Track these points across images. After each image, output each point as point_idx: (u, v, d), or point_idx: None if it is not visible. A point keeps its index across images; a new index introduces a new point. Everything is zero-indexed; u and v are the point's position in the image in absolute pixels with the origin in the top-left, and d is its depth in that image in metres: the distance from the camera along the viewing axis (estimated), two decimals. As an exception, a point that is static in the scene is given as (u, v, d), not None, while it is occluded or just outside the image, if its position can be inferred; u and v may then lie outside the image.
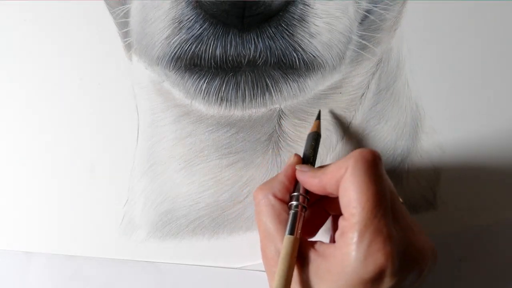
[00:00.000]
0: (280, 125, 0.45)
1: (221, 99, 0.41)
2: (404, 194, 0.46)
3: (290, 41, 0.39)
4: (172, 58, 0.40)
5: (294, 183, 0.39)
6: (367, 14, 0.43)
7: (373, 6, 0.43)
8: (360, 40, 0.43)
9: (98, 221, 0.44)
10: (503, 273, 0.47)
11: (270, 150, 0.45)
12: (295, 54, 0.39)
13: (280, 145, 0.45)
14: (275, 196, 0.39)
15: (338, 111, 0.45)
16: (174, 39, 0.39)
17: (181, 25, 0.38)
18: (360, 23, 0.42)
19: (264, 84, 0.41)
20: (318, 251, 0.36)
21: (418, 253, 0.35)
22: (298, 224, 0.37)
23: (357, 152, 0.35)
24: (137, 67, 0.44)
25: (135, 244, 0.45)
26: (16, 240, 0.44)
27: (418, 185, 0.47)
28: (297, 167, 0.39)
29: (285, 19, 0.38)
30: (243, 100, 0.41)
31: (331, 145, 0.46)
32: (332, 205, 0.40)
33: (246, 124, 0.44)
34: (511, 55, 0.47)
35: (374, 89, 0.46)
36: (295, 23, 0.38)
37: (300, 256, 0.36)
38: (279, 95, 0.41)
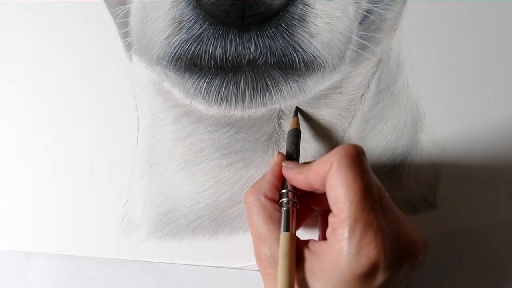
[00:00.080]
0: (280, 125, 0.45)
1: (221, 99, 0.41)
2: (404, 194, 0.46)
3: (290, 41, 0.39)
4: (172, 58, 0.40)
5: (282, 181, 0.39)
6: (367, 14, 0.43)
7: (373, 6, 0.43)
8: (360, 40, 0.43)
9: (98, 221, 0.44)
10: (503, 273, 0.47)
11: (270, 150, 0.45)
12: (295, 54, 0.39)
13: (280, 145, 0.45)
14: (266, 197, 0.39)
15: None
16: (174, 39, 0.39)
17: (181, 25, 0.38)
18: (360, 23, 0.42)
19: (264, 84, 0.41)
20: (311, 250, 0.36)
21: (409, 244, 0.35)
22: (292, 221, 0.37)
23: (341, 147, 0.35)
24: (137, 67, 0.44)
25: (135, 244, 0.45)
26: (16, 240, 0.44)
27: (418, 185, 0.47)
28: (284, 163, 0.40)
29: (285, 19, 0.38)
30: (243, 100, 0.41)
31: (331, 145, 0.46)
32: (317, 200, 0.40)
33: (246, 124, 0.44)
34: (511, 55, 0.47)
35: (374, 89, 0.46)
36: (295, 23, 0.38)
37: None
38: (279, 95, 0.41)
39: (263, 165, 0.45)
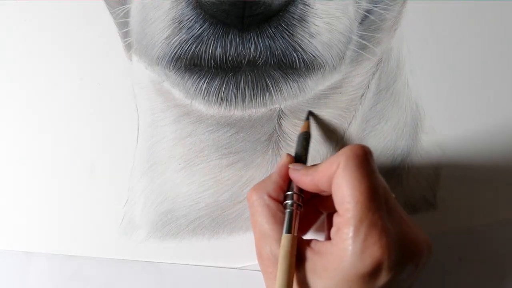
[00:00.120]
0: (280, 125, 0.45)
1: (221, 99, 0.41)
2: (404, 194, 0.46)
3: (290, 41, 0.39)
4: (172, 58, 0.40)
5: (288, 182, 0.39)
6: (367, 14, 0.43)
7: (373, 6, 0.43)
8: (360, 40, 0.43)
9: (98, 221, 0.44)
10: (503, 273, 0.47)
11: (270, 150, 0.45)
12: (295, 54, 0.39)
13: (280, 145, 0.45)
14: (270, 196, 0.39)
15: (337, 112, 0.45)
16: (174, 39, 0.39)
17: (181, 25, 0.38)
18: (360, 23, 0.42)
19: (264, 84, 0.41)
20: (314, 249, 0.36)
21: (413, 245, 0.35)
22: (295, 223, 0.37)
23: (347, 148, 0.36)
24: (137, 67, 0.44)
25: (135, 244, 0.45)
26: (16, 240, 0.44)
27: (418, 185, 0.47)
28: (290, 165, 0.39)
29: (285, 19, 0.38)
30: (243, 100, 0.41)
31: (331, 145, 0.46)
32: (324, 203, 0.40)
33: (246, 124, 0.44)
34: (511, 55, 0.47)
35: (374, 89, 0.46)
36: (295, 23, 0.38)
37: (296, 255, 0.36)
38: (279, 95, 0.41)
39: (263, 165, 0.45)
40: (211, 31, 0.38)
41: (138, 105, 0.45)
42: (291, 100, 0.43)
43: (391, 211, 0.35)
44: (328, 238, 0.37)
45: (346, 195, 0.34)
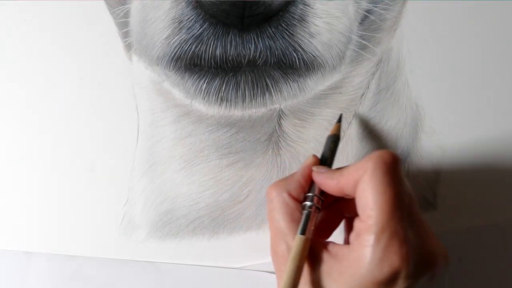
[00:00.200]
0: (280, 125, 0.45)
1: (221, 99, 0.41)
2: (404, 194, 0.46)
3: (290, 41, 0.39)
4: (172, 58, 0.40)
5: (310, 184, 0.39)
6: (367, 14, 0.43)
7: (373, 6, 0.43)
8: (360, 40, 0.43)
9: (98, 221, 0.44)
10: (503, 273, 0.47)
11: (270, 150, 0.45)
12: (295, 54, 0.39)
13: (280, 145, 0.45)
14: (290, 194, 0.38)
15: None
16: (174, 39, 0.39)
17: (181, 25, 0.38)
18: (360, 23, 0.42)
19: (264, 84, 0.41)
20: (331, 252, 0.36)
21: (432, 256, 0.35)
22: (311, 225, 0.37)
23: (376, 153, 0.35)
24: (137, 67, 0.44)
25: (135, 244, 0.45)
26: (16, 240, 0.44)
27: (418, 185, 0.47)
28: (314, 168, 0.39)
29: (285, 19, 0.38)
30: (243, 100, 0.41)
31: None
32: (347, 206, 0.40)
33: (246, 124, 0.44)
34: (511, 55, 0.47)
35: (374, 89, 0.46)
36: (295, 23, 0.38)
37: (312, 257, 0.36)
38: (279, 95, 0.41)
39: (263, 165, 0.45)
40: (211, 31, 0.38)
41: (138, 105, 0.45)
42: (291, 100, 0.43)
43: (413, 220, 0.35)
44: (347, 241, 0.36)
45: (370, 201, 0.34)
